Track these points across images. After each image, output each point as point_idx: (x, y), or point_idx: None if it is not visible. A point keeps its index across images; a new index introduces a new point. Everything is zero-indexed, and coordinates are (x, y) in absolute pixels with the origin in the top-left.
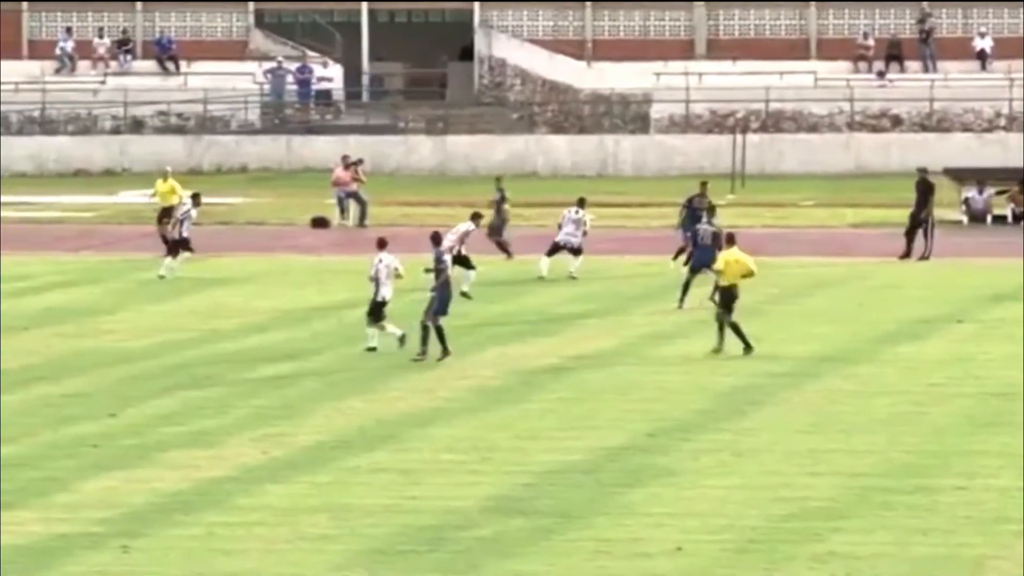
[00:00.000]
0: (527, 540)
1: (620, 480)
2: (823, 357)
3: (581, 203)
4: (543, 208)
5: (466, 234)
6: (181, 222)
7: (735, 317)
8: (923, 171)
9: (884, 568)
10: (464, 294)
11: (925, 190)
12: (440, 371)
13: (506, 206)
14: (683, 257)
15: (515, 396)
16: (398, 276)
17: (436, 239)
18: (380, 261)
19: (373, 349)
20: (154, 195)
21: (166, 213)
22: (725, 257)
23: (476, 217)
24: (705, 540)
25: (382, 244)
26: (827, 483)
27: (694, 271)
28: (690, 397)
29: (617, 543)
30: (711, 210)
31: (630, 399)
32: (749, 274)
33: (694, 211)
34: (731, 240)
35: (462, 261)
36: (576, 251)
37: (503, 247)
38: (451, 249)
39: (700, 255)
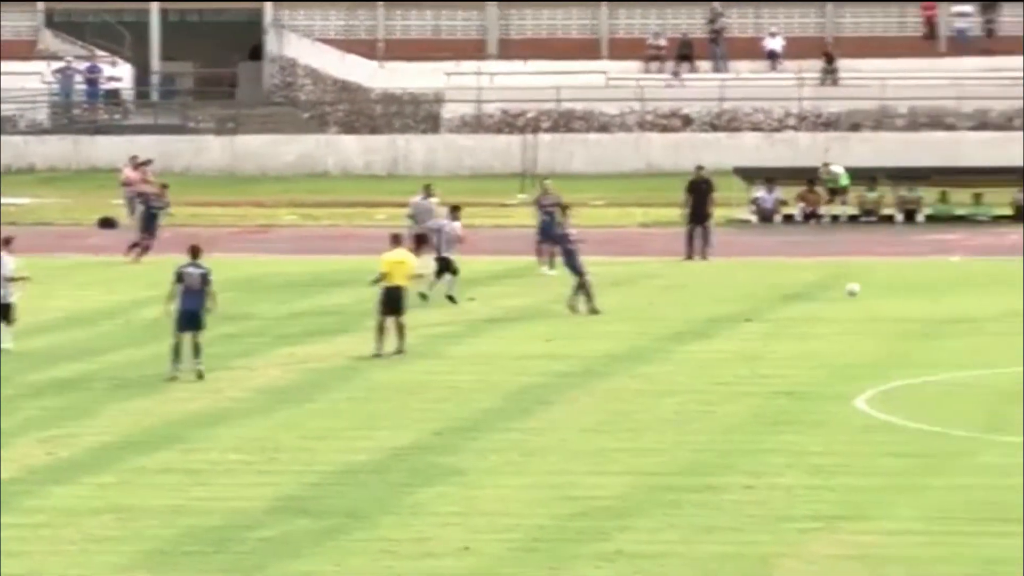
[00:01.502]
0: (313, 540)
1: (407, 480)
2: (612, 356)
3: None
4: (334, 208)
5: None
6: None
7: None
8: (701, 169)
9: (671, 567)
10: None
11: (706, 189)
12: (228, 371)
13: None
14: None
15: (303, 396)
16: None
17: (396, 240)
18: None
19: None
20: None
21: None
22: (389, 258)
23: (455, 210)
24: (492, 539)
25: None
26: (615, 482)
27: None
28: (479, 396)
29: (404, 543)
30: (564, 208)
31: (419, 399)
32: (414, 275)
33: (543, 208)
34: (396, 240)
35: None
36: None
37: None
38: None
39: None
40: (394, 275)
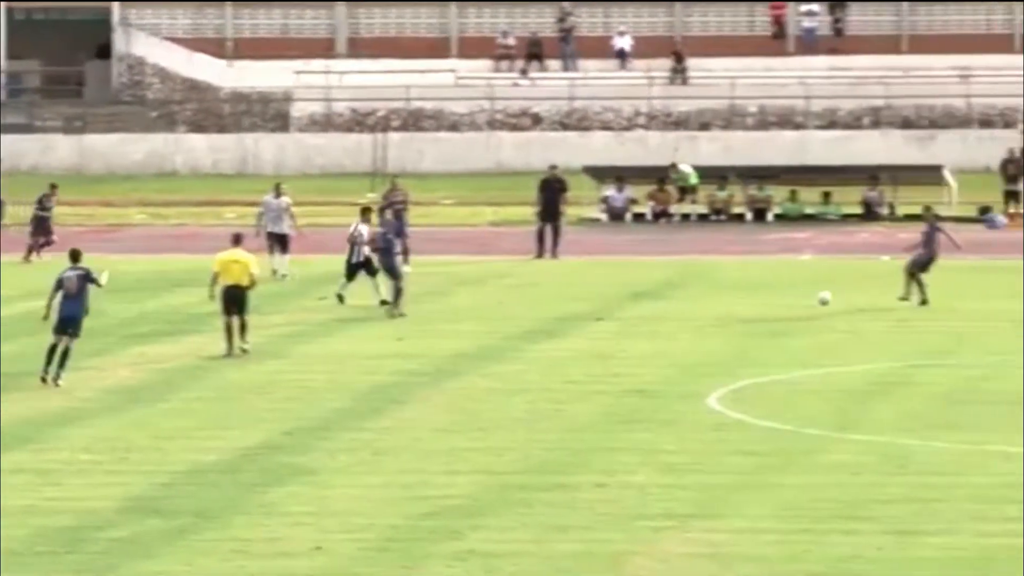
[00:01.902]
0: (165, 540)
1: (258, 479)
2: (463, 355)
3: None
4: (183, 207)
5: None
6: None
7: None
8: (554, 168)
9: (523, 565)
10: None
11: (559, 188)
12: (79, 372)
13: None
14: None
15: (154, 396)
16: None
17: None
18: None
19: None
20: None
21: None
22: (224, 257)
23: (366, 212)
24: (343, 539)
25: None
26: (466, 481)
27: None
28: (330, 396)
29: (255, 542)
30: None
31: (269, 398)
32: (250, 275)
33: (392, 206)
34: (236, 240)
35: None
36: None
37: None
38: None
39: None
40: (228, 274)
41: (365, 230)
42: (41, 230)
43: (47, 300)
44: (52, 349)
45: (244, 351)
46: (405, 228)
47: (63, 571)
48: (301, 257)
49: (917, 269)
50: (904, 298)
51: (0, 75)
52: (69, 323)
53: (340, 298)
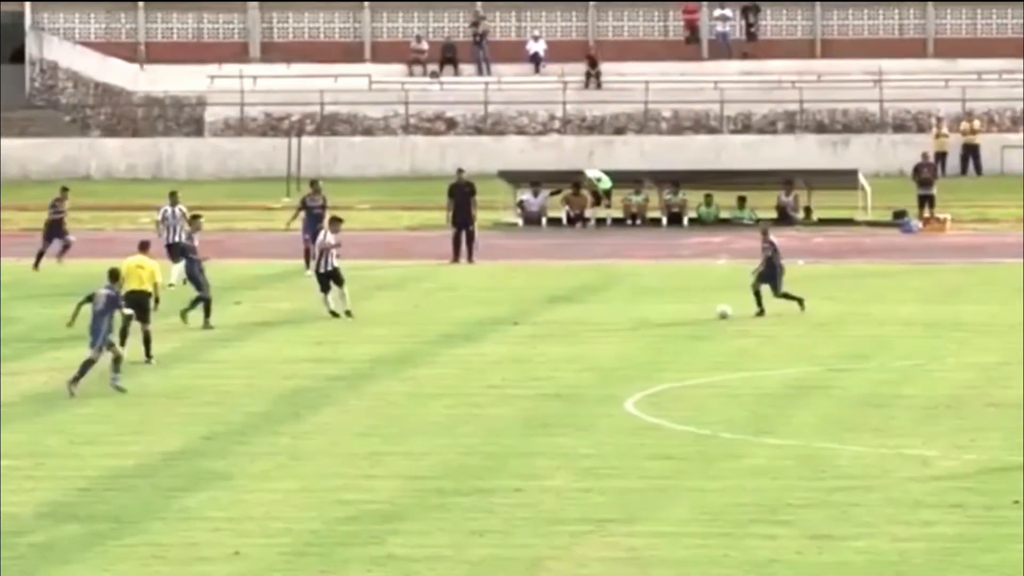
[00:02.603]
0: (82, 546)
1: (176, 484)
2: (380, 359)
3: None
4: (97, 212)
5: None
6: None
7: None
8: (461, 172)
9: (442, 570)
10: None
11: (469, 192)
12: None
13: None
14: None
15: (70, 401)
16: None
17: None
18: None
19: None
20: None
21: None
22: (130, 263)
23: (334, 221)
24: (262, 544)
25: None
26: (385, 486)
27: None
28: (247, 400)
29: (173, 548)
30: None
31: (187, 403)
32: (154, 282)
33: (310, 210)
34: (143, 247)
35: (334, 276)
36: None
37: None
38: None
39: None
40: (132, 279)
41: (333, 239)
42: (56, 233)
43: (74, 308)
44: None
45: (148, 359)
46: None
47: None
48: (219, 262)
49: (762, 283)
50: (759, 313)
51: None
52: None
53: (333, 314)
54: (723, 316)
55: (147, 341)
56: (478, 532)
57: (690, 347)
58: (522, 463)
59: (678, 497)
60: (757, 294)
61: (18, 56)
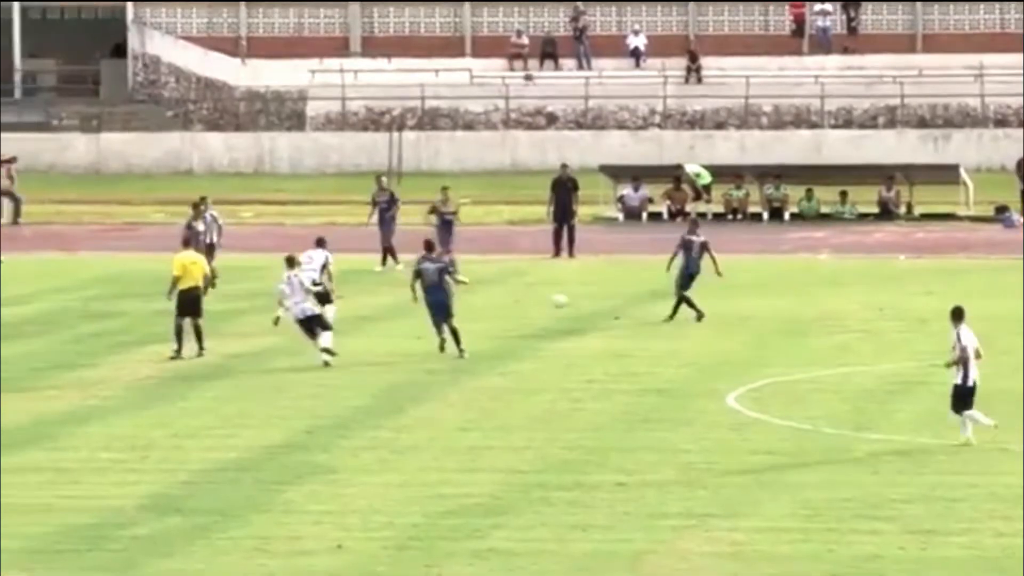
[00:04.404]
0: (185, 538)
1: (279, 478)
2: (481, 354)
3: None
4: None
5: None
6: None
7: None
8: (565, 167)
9: (544, 564)
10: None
11: (571, 187)
12: (97, 370)
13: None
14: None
15: (173, 394)
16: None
17: (429, 246)
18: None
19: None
20: None
21: None
22: (183, 259)
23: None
24: (364, 537)
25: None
26: (486, 480)
27: None
28: (348, 394)
29: (276, 540)
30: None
31: (288, 397)
32: (207, 276)
33: (378, 205)
34: (187, 243)
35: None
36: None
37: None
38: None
39: None
40: (188, 276)
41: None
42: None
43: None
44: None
45: (200, 353)
46: (393, 227)
47: (85, 569)
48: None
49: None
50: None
51: (16, 74)
52: (439, 308)
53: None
54: (559, 306)
55: (199, 334)
56: (580, 526)
57: (791, 342)
58: (623, 458)
59: (779, 492)
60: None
61: (120, 50)
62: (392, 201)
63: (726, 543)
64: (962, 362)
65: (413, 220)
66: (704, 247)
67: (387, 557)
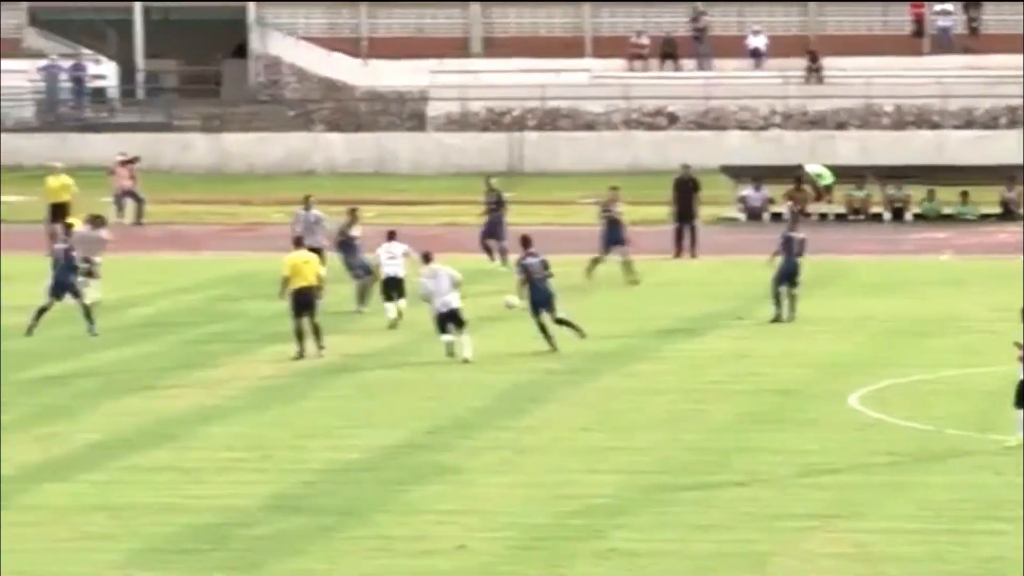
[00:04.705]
0: (308, 538)
1: (401, 478)
2: (603, 354)
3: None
4: (321, 207)
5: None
6: None
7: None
8: (687, 168)
9: (667, 565)
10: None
11: (693, 187)
12: (220, 369)
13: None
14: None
15: (295, 394)
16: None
17: (526, 242)
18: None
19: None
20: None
21: (56, 210)
22: (292, 259)
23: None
24: (488, 537)
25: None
26: (609, 480)
27: None
28: (470, 395)
29: (398, 541)
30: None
31: (410, 397)
32: (318, 275)
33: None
34: (299, 242)
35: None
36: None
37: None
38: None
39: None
40: (299, 276)
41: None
42: None
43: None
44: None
45: (321, 351)
46: (502, 228)
47: (208, 569)
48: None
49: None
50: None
51: (139, 74)
52: (546, 300)
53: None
54: (509, 307)
55: (317, 332)
56: (702, 527)
57: (913, 343)
58: (746, 458)
59: (902, 493)
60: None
61: (241, 51)
62: (500, 203)
63: (849, 544)
64: None
65: (529, 220)
66: (803, 244)
67: (510, 557)
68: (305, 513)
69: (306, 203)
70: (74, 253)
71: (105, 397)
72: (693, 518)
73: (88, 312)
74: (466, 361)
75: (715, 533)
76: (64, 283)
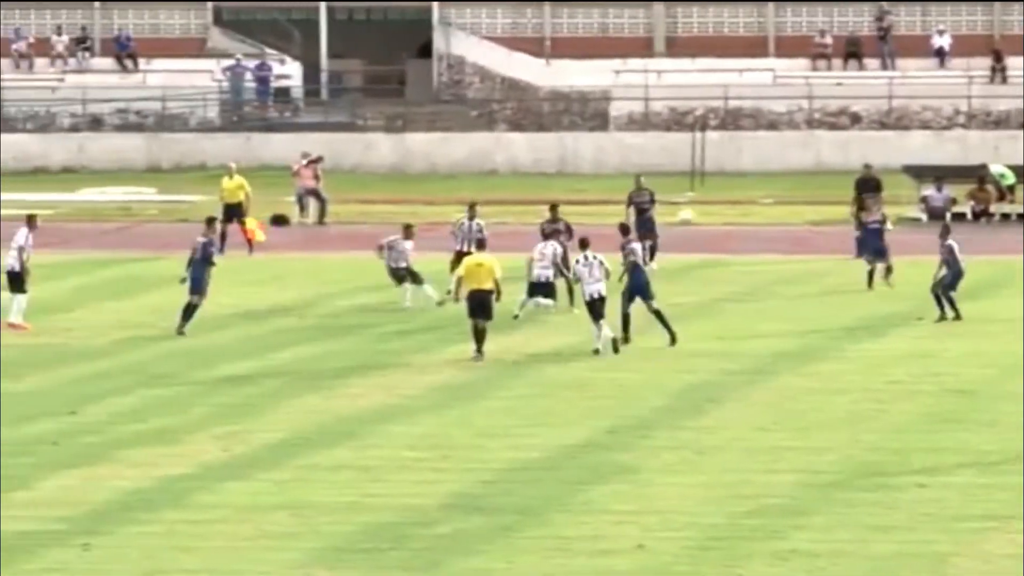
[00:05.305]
0: (487, 537)
1: (580, 477)
2: (782, 354)
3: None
4: (503, 206)
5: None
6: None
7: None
8: (869, 167)
9: (845, 565)
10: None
11: (875, 187)
12: (401, 369)
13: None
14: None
15: (475, 393)
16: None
17: (624, 230)
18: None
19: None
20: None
21: (231, 211)
22: (469, 261)
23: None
24: (666, 537)
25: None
26: (787, 480)
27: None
28: (648, 394)
29: (577, 540)
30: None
31: (589, 396)
32: (494, 279)
33: (638, 205)
34: (480, 244)
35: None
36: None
37: None
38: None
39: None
40: (472, 278)
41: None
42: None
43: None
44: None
45: (478, 356)
46: (653, 227)
47: (387, 567)
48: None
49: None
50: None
51: (322, 74)
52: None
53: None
54: (428, 298)
55: (480, 337)
56: (881, 528)
57: None
58: (925, 459)
59: None
60: (938, 299)
61: (425, 51)
62: (651, 201)
63: None
64: None
65: (711, 220)
66: (950, 250)
67: (688, 557)
68: (484, 512)
69: (471, 211)
70: (212, 249)
71: (287, 396)
72: (872, 519)
73: (189, 312)
74: (596, 352)
75: (894, 534)
76: (197, 278)
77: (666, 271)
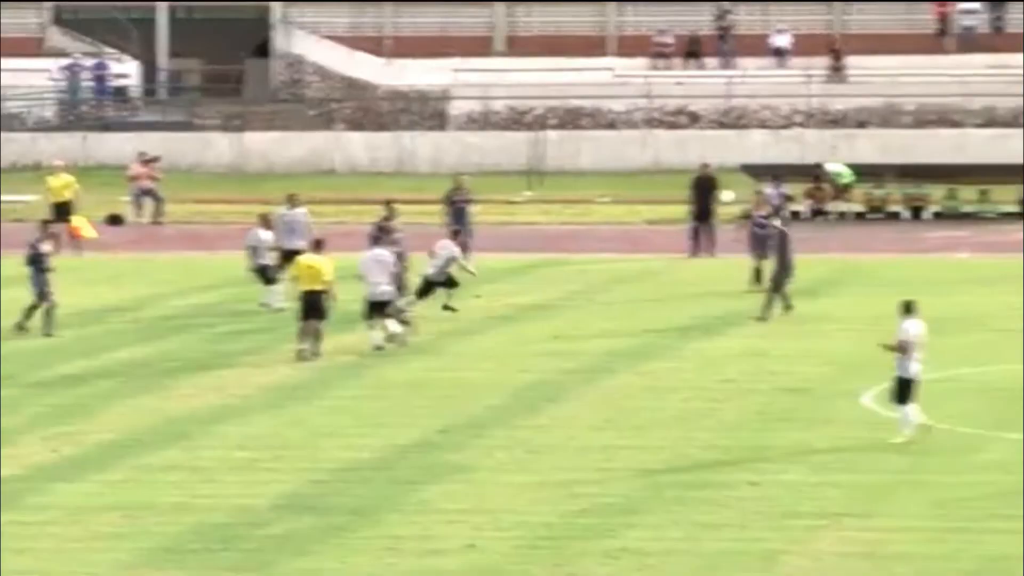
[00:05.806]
0: (319, 538)
1: (413, 477)
2: (618, 353)
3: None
4: (340, 205)
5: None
6: None
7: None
8: (705, 166)
9: (676, 564)
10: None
11: (711, 186)
12: (235, 369)
13: None
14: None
15: (309, 393)
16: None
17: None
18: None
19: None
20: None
21: (60, 209)
22: (301, 262)
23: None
24: (497, 536)
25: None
26: (620, 479)
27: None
28: (485, 394)
29: (408, 540)
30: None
31: (424, 395)
32: (324, 280)
33: (455, 205)
34: (317, 245)
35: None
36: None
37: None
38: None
39: None
40: (304, 280)
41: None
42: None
43: None
44: None
45: (316, 355)
46: (469, 225)
47: (217, 568)
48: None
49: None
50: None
51: (161, 73)
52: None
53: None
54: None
55: (318, 336)
56: (712, 526)
57: (930, 341)
58: (757, 457)
59: (913, 491)
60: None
61: (264, 50)
62: (468, 200)
63: (859, 543)
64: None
65: (549, 219)
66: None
67: (518, 556)
68: (316, 513)
69: (291, 201)
70: (41, 255)
71: (120, 396)
72: (703, 516)
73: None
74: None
75: (726, 531)
76: (36, 285)
77: (504, 270)
